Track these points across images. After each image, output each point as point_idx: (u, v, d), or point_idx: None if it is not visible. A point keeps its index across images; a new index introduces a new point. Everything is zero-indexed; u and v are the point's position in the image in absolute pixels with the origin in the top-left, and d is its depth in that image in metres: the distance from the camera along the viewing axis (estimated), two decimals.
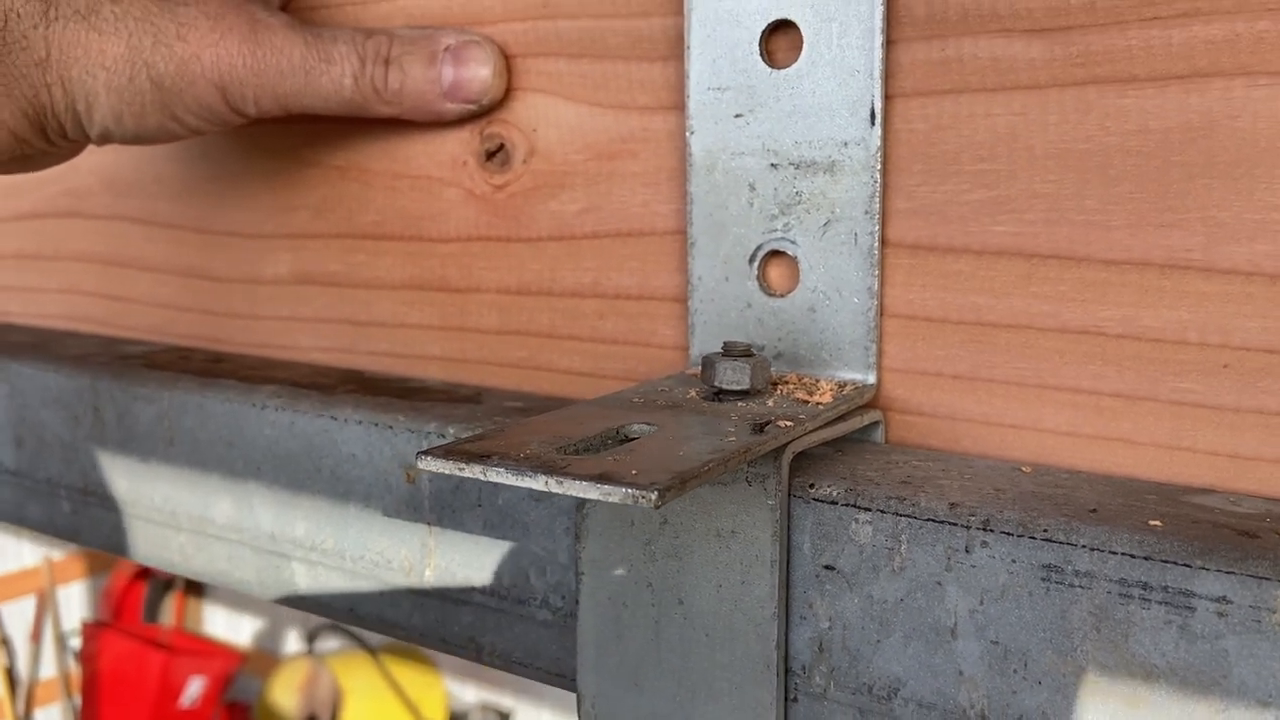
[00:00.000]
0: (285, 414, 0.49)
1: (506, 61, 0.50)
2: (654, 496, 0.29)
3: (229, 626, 2.99)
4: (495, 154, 0.52)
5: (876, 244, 0.43)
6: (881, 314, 0.43)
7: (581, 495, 0.30)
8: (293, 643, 2.81)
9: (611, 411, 0.39)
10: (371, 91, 0.49)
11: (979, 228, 0.41)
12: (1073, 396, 0.40)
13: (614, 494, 0.30)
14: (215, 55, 0.47)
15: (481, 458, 0.33)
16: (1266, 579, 0.30)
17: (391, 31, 0.50)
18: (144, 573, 2.81)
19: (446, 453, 0.33)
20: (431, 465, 0.33)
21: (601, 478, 0.31)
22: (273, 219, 0.59)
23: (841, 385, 0.43)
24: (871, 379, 0.43)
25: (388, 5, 0.53)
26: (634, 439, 0.36)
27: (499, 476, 0.32)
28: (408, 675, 2.38)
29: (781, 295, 0.45)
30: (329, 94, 0.49)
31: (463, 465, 0.33)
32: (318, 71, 0.48)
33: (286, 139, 0.58)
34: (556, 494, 0.32)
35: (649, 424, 0.37)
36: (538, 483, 0.31)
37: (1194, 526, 0.33)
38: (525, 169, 0.51)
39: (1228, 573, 0.30)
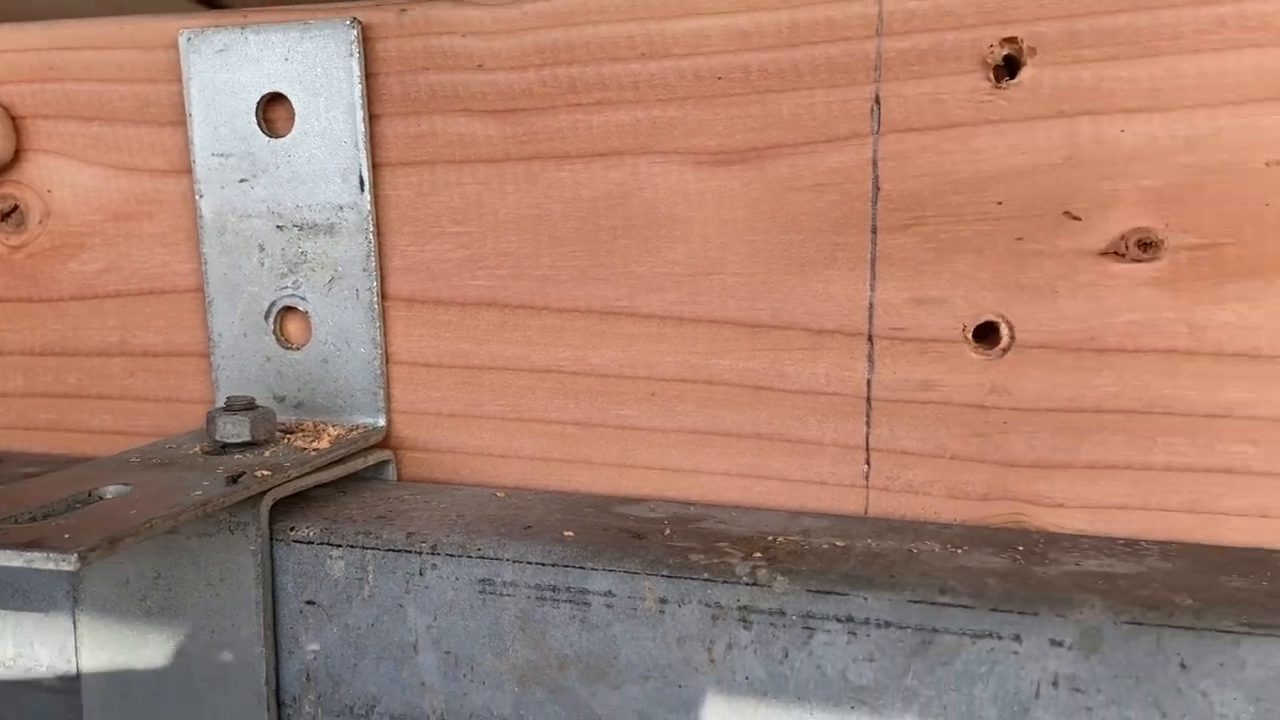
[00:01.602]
0: None
1: (14, 123, 0.50)
2: (74, 559, 0.31)
3: None
4: (9, 215, 0.51)
5: (376, 299, 0.47)
6: (388, 362, 0.48)
7: (6, 563, 0.32)
8: None
9: (94, 474, 0.40)
10: None
11: (461, 282, 0.46)
12: (544, 427, 0.46)
13: (35, 559, 0.31)
14: None
15: None
16: (637, 573, 0.36)
17: None
18: None
19: None
20: None
21: (30, 545, 0.32)
22: None
23: (351, 429, 0.47)
24: (381, 422, 0.47)
25: None
26: (103, 500, 0.38)
27: None
28: None
29: (297, 348, 0.48)
30: None
31: None
32: None
33: None
34: None
35: (125, 484, 0.39)
36: None
37: (602, 534, 0.39)
38: (42, 230, 0.51)
39: (610, 570, 0.36)
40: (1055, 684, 0.32)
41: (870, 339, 0.41)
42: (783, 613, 0.35)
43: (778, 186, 0.42)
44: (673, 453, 0.44)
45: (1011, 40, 0.38)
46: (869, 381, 0.42)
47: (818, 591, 0.34)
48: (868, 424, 0.42)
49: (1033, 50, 0.38)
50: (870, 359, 0.42)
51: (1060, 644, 0.32)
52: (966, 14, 0.39)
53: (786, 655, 0.35)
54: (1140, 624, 0.31)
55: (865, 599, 0.34)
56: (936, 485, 0.41)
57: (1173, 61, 0.37)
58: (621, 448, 0.45)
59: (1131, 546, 0.37)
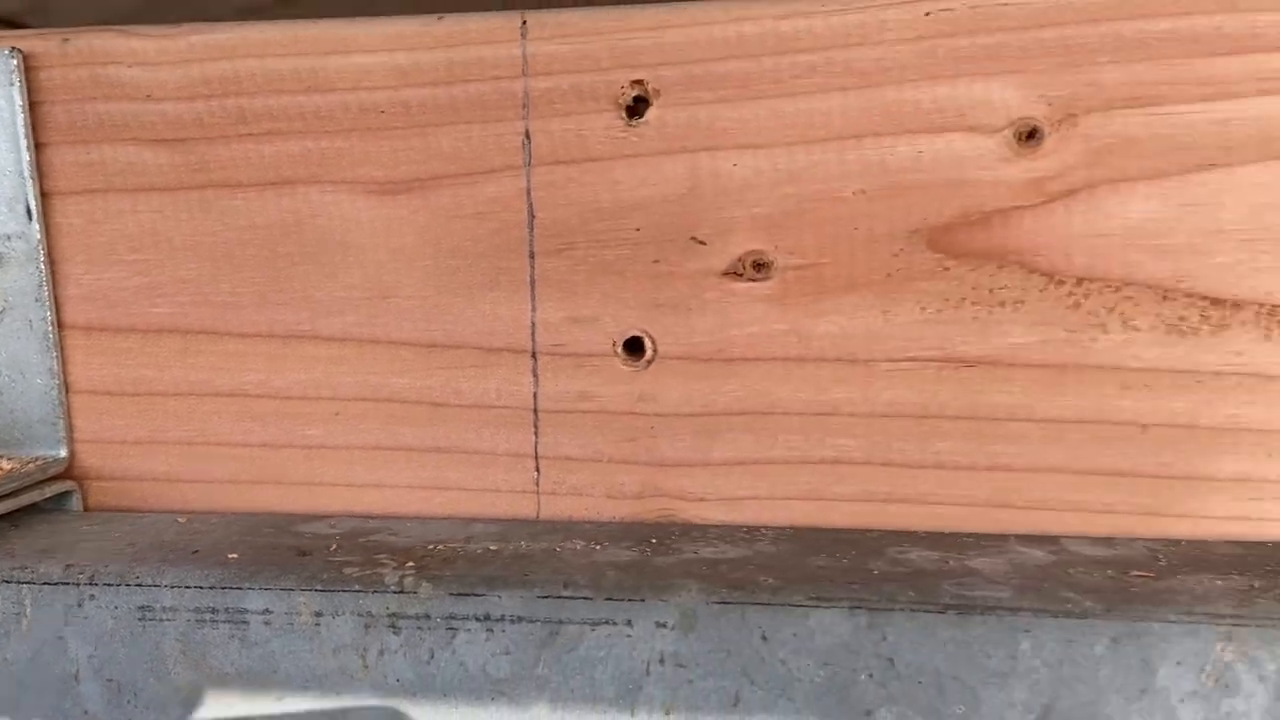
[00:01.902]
0: None
1: None
2: None
3: None
4: None
5: (52, 328, 0.46)
6: (68, 391, 0.47)
7: None
8: None
9: None
10: None
11: (140, 310, 0.46)
12: (231, 450, 0.47)
13: None
14: None
15: None
16: (293, 589, 0.38)
17: None
18: None
19: None
20: None
21: None
22: None
23: (28, 462, 0.46)
24: (63, 453, 0.47)
25: None
26: None
27: None
28: None
29: None
30: None
31: None
32: None
33: None
34: None
35: None
36: None
37: (270, 553, 0.40)
38: None
39: (266, 589, 0.38)
40: (662, 661, 0.36)
41: (534, 355, 0.45)
42: (428, 616, 0.37)
43: (442, 215, 0.44)
44: (357, 469, 0.46)
45: (639, 82, 0.42)
46: (535, 394, 0.45)
47: (459, 594, 0.37)
48: (535, 433, 0.45)
49: (657, 92, 0.42)
50: (535, 374, 0.45)
51: (664, 625, 0.36)
52: (601, 57, 0.42)
53: (433, 656, 0.37)
54: (728, 603, 0.35)
55: (500, 597, 0.37)
56: (597, 487, 0.45)
57: (774, 103, 0.42)
58: (309, 467, 0.46)
59: (752, 533, 0.42)
